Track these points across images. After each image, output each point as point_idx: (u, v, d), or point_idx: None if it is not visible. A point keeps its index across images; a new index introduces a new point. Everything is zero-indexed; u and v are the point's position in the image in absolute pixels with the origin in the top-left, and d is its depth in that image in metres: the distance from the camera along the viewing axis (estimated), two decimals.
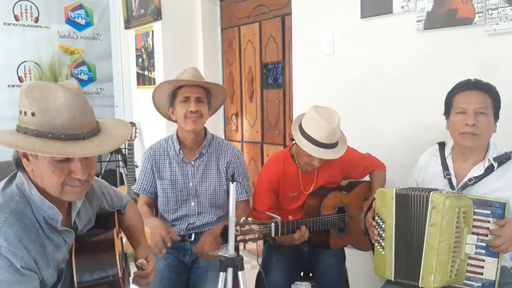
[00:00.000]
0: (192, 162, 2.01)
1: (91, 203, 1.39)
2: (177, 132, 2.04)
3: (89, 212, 1.37)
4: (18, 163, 1.17)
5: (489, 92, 1.61)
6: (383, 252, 1.69)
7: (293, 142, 1.95)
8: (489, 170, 1.61)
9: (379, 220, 1.72)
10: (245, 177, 2.07)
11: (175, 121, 2.00)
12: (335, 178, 2.08)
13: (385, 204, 1.68)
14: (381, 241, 1.71)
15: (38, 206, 1.15)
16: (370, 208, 1.81)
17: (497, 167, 1.60)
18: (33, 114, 1.07)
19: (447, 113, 1.70)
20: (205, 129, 2.06)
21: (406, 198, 1.63)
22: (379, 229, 1.71)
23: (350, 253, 2.12)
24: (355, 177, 2.15)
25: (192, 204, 2.01)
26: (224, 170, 2.02)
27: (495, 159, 1.61)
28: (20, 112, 1.09)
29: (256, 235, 1.69)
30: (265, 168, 2.08)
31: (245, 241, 1.66)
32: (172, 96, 1.96)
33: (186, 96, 1.91)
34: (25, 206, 1.13)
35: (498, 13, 1.80)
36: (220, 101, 2.10)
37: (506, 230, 1.48)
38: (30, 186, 1.15)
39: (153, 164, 2.03)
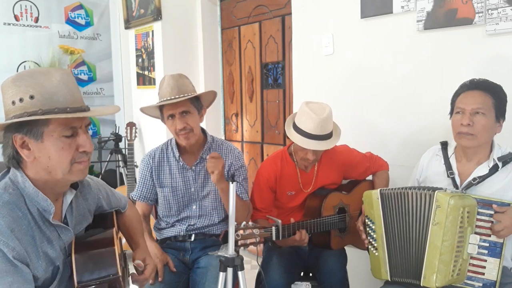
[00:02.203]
0: (193, 167, 1.99)
1: (86, 200, 1.38)
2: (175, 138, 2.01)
3: (83, 207, 1.36)
4: (14, 159, 1.16)
5: (491, 92, 1.59)
6: (376, 253, 1.70)
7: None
8: (494, 169, 1.61)
9: (369, 222, 1.73)
10: (244, 179, 2.06)
11: None
12: (335, 179, 2.08)
13: (372, 206, 1.70)
14: (373, 242, 1.72)
15: (31, 198, 1.15)
16: (361, 212, 1.82)
17: (502, 167, 1.60)
18: (31, 97, 1.09)
19: (451, 113, 1.70)
20: (204, 132, 2.03)
21: (398, 196, 1.64)
22: (370, 231, 1.73)
23: (350, 253, 2.12)
24: (356, 177, 2.15)
25: (194, 207, 2.01)
26: (226, 173, 2.00)
27: (499, 158, 1.61)
28: (13, 103, 1.10)
29: (257, 239, 1.68)
30: (263, 166, 2.08)
31: (246, 245, 1.66)
32: (160, 111, 1.92)
33: (169, 114, 1.86)
34: (18, 198, 1.14)
35: (498, 13, 1.80)
36: (211, 98, 2.03)
37: (506, 216, 1.49)
38: (23, 178, 1.15)
39: (153, 172, 2.00)
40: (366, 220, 1.75)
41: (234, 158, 2.03)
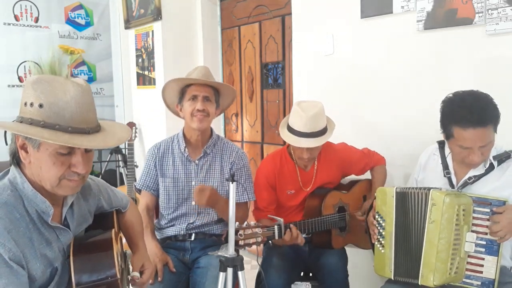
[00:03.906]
0: (196, 161, 2.01)
1: (87, 201, 1.38)
2: (183, 130, 2.05)
3: (84, 209, 1.36)
4: (14, 156, 1.17)
5: (491, 120, 1.50)
6: (382, 251, 1.70)
7: None
8: (489, 169, 1.61)
9: (379, 219, 1.72)
10: (247, 179, 2.06)
11: (183, 118, 2.01)
12: (334, 177, 2.09)
13: (385, 203, 1.69)
14: (381, 239, 1.71)
15: (30, 199, 1.15)
16: (372, 207, 1.82)
17: (497, 166, 1.60)
18: (40, 106, 1.08)
19: (446, 135, 1.62)
20: (211, 129, 2.08)
21: (406, 196, 1.64)
22: (379, 228, 1.72)
23: (350, 253, 2.12)
24: (355, 174, 2.16)
25: (193, 203, 2.01)
26: (228, 171, 2.02)
27: (495, 157, 1.61)
28: (25, 104, 1.10)
29: (260, 239, 1.68)
30: (262, 165, 2.09)
31: (249, 245, 1.66)
32: (181, 93, 1.98)
33: (194, 94, 1.93)
34: (16, 199, 1.14)
35: (498, 13, 1.80)
36: (229, 100, 2.12)
37: (504, 217, 1.48)
38: (22, 179, 1.15)
39: (157, 161, 2.03)
40: (377, 216, 1.73)
41: (237, 157, 2.05)
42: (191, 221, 2.01)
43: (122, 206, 1.57)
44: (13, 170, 1.18)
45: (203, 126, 1.96)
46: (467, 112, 1.50)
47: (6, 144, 1.19)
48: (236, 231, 1.60)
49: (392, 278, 1.67)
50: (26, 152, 1.14)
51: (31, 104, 1.09)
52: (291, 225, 1.82)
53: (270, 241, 1.83)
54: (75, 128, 1.10)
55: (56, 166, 1.12)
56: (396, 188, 1.67)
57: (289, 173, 2.03)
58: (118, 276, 1.26)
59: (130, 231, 1.60)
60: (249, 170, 2.09)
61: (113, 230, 1.38)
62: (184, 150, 2.01)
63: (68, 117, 1.10)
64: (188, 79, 1.95)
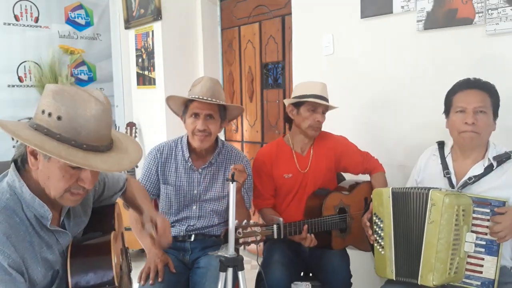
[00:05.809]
0: (200, 170, 1.97)
1: (85, 201, 1.38)
2: (187, 137, 1.98)
3: (79, 211, 1.36)
4: (22, 158, 1.16)
5: (488, 90, 1.62)
6: (382, 252, 1.69)
7: (284, 134, 2.08)
8: (489, 169, 1.61)
9: (377, 220, 1.72)
10: (249, 188, 2.04)
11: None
12: (329, 163, 2.11)
13: (382, 204, 1.69)
14: (380, 240, 1.71)
15: (28, 204, 1.14)
16: (367, 209, 1.82)
17: (497, 166, 1.60)
18: (59, 118, 1.07)
19: (446, 112, 1.71)
20: (216, 137, 2.01)
21: (404, 196, 1.64)
22: (377, 229, 1.72)
23: (350, 253, 2.12)
24: (350, 168, 2.16)
25: (194, 207, 2.00)
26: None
27: (494, 158, 1.61)
28: (43, 112, 1.08)
29: (259, 238, 1.69)
30: (258, 152, 2.18)
31: (247, 244, 1.66)
32: (185, 106, 1.91)
33: (195, 112, 1.86)
34: (15, 203, 1.13)
35: (498, 13, 1.80)
36: (236, 113, 2.06)
37: (507, 218, 1.48)
38: (21, 183, 1.14)
39: (159, 167, 1.98)
40: (374, 218, 1.73)
41: None
42: (191, 224, 2.00)
43: (121, 187, 1.57)
44: (11, 173, 1.17)
45: (204, 146, 1.90)
46: (466, 80, 1.67)
47: (16, 141, 1.16)
48: (235, 229, 1.60)
49: (394, 278, 1.66)
50: (36, 158, 1.12)
51: (49, 114, 1.07)
52: (305, 227, 1.85)
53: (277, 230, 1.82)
54: (89, 146, 1.09)
55: (64, 179, 1.12)
56: (391, 188, 1.68)
57: (285, 157, 2.09)
58: (116, 284, 1.26)
59: (133, 201, 1.62)
60: (251, 180, 2.07)
61: (112, 233, 1.37)
62: (188, 159, 1.96)
63: (85, 134, 1.08)
64: (186, 98, 1.87)
